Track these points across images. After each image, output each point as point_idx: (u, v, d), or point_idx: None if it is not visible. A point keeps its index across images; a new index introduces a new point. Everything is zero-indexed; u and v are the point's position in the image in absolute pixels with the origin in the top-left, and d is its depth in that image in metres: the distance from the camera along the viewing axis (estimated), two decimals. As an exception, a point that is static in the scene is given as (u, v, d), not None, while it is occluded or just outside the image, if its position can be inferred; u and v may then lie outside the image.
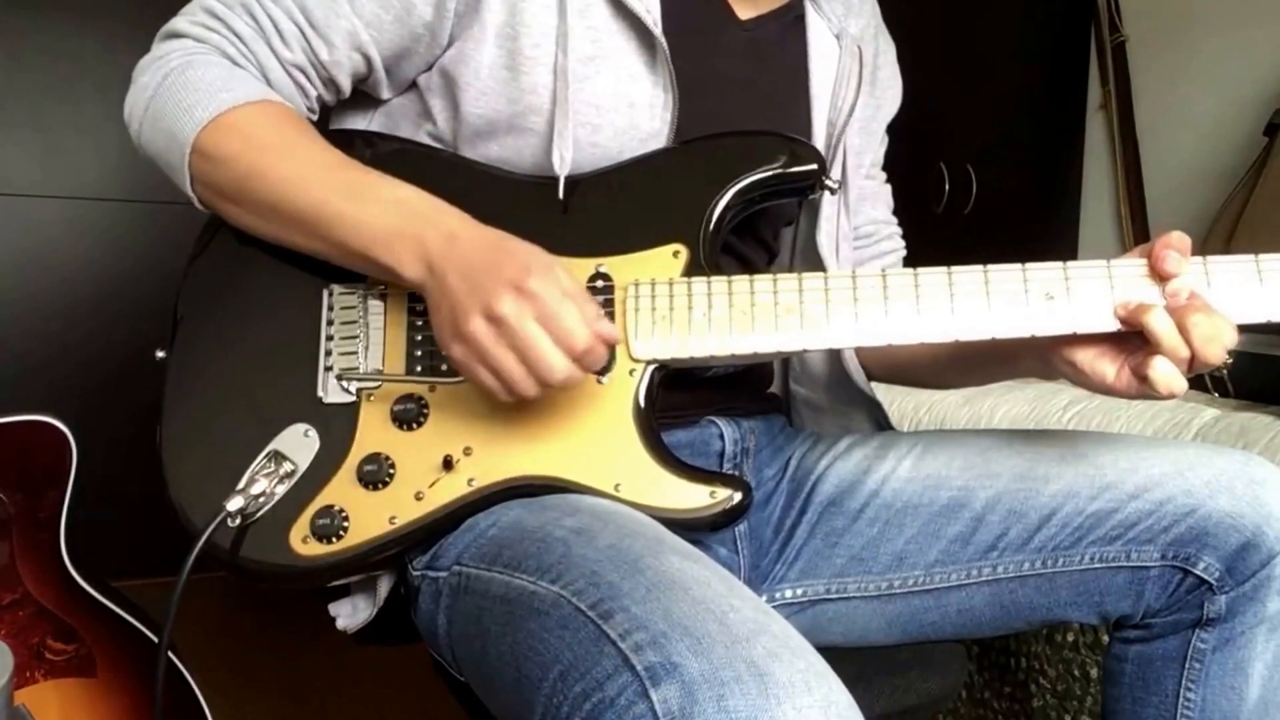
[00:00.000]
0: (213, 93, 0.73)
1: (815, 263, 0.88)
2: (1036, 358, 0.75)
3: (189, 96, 0.73)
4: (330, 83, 0.80)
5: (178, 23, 0.78)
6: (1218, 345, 0.66)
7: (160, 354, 0.77)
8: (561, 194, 0.74)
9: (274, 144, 0.73)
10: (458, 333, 0.66)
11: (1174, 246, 0.69)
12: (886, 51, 0.97)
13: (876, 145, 0.98)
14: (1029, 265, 0.71)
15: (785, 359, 0.96)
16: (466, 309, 0.65)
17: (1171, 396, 0.68)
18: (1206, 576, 0.73)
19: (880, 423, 0.93)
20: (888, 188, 1.00)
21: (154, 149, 0.77)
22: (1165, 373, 0.67)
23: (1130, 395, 0.70)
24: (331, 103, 0.83)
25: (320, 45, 0.77)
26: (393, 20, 0.76)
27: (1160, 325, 0.67)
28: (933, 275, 0.71)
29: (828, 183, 0.77)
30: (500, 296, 0.64)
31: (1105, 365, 0.71)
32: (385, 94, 0.82)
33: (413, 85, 0.81)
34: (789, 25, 0.87)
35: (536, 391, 0.66)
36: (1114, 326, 0.69)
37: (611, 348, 0.68)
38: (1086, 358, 0.71)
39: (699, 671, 0.49)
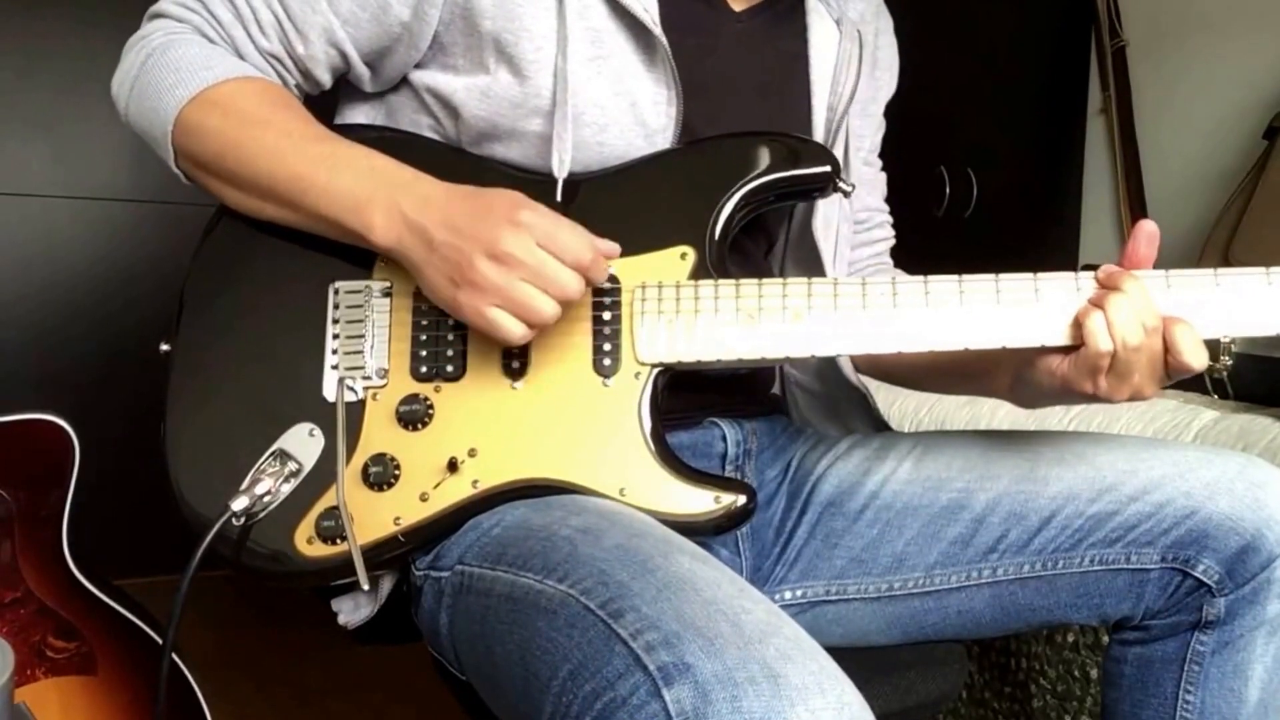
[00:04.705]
0: (194, 71, 0.75)
1: (810, 247, 0.88)
2: (1010, 371, 0.75)
3: (170, 75, 0.75)
4: (307, 75, 0.80)
5: (161, 3, 0.80)
6: (1133, 323, 0.67)
7: (165, 347, 0.77)
8: (560, 197, 0.75)
9: (252, 118, 0.74)
10: (464, 280, 0.67)
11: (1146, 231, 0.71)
12: (885, 31, 0.97)
13: (874, 130, 0.98)
14: (1040, 275, 0.71)
15: None
16: (467, 255, 0.66)
17: (1096, 355, 0.68)
18: (1206, 579, 0.74)
19: (872, 412, 0.93)
20: (883, 175, 1.01)
21: (140, 125, 0.79)
22: (1096, 325, 0.67)
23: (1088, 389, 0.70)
24: (312, 93, 0.84)
25: (296, 39, 0.78)
26: (369, 19, 0.77)
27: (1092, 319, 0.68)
28: (942, 283, 0.71)
29: (842, 186, 0.77)
30: (500, 234, 0.66)
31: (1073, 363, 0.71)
32: (369, 88, 0.83)
33: (412, 86, 0.82)
34: (784, 13, 0.88)
35: (555, 312, 0.67)
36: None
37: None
38: (1062, 361, 0.71)
39: (712, 672, 0.49)
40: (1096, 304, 0.69)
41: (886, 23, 0.97)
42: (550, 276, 0.66)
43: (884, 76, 0.97)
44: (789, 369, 0.97)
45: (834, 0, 0.89)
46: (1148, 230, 0.71)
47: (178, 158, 0.77)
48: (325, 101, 0.86)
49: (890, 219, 1.02)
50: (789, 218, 0.91)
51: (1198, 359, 0.68)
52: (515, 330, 0.67)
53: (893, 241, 1.02)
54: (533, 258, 0.66)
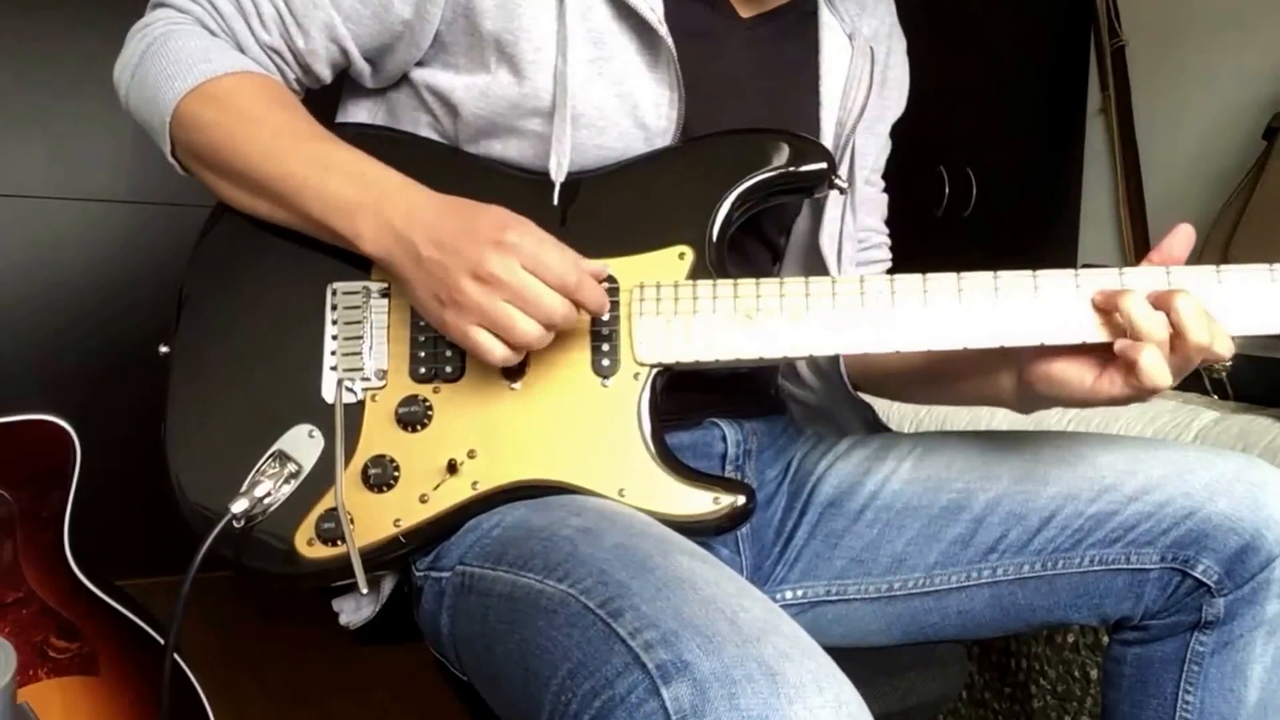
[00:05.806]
0: (193, 63, 0.75)
1: (817, 263, 0.88)
2: (1011, 374, 0.75)
3: (170, 66, 0.75)
4: (307, 70, 0.81)
5: None
6: (1203, 321, 0.66)
7: (164, 349, 0.77)
8: (556, 200, 0.75)
9: (249, 114, 0.75)
10: (449, 299, 0.67)
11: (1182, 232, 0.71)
12: (897, 51, 0.96)
13: (878, 149, 0.98)
14: (1040, 272, 0.71)
15: None
16: (453, 273, 0.66)
17: (1153, 390, 0.67)
18: (1205, 579, 0.74)
19: (870, 422, 0.93)
20: (884, 196, 1.00)
21: (139, 114, 0.79)
22: (1151, 361, 0.66)
23: (1112, 396, 0.69)
24: (312, 88, 0.84)
25: (297, 34, 0.78)
26: (371, 16, 0.77)
27: (1135, 306, 0.66)
28: (941, 280, 0.71)
29: (837, 182, 0.77)
30: (485, 255, 0.66)
31: (1086, 371, 0.70)
32: (370, 84, 0.83)
33: (412, 84, 0.82)
34: (794, 23, 0.87)
35: (538, 334, 0.67)
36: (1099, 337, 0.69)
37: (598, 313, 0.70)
38: (1066, 366, 0.71)
39: (710, 670, 0.49)
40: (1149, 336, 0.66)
41: (900, 43, 0.96)
42: (532, 299, 0.66)
43: (892, 96, 0.96)
44: (782, 380, 0.96)
45: (848, 15, 0.88)
46: (1185, 231, 0.71)
47: (174, 148, 0.77)
48: (327, 98, 0.86)
49: (889, 241, 1.00)
50: (790, 231, 0.91)
51: (1228, 347, 0.68)
52: (496, 350, 0.67)
53: (889, 264, 1.00)
54: (516, 279, 0.65)
